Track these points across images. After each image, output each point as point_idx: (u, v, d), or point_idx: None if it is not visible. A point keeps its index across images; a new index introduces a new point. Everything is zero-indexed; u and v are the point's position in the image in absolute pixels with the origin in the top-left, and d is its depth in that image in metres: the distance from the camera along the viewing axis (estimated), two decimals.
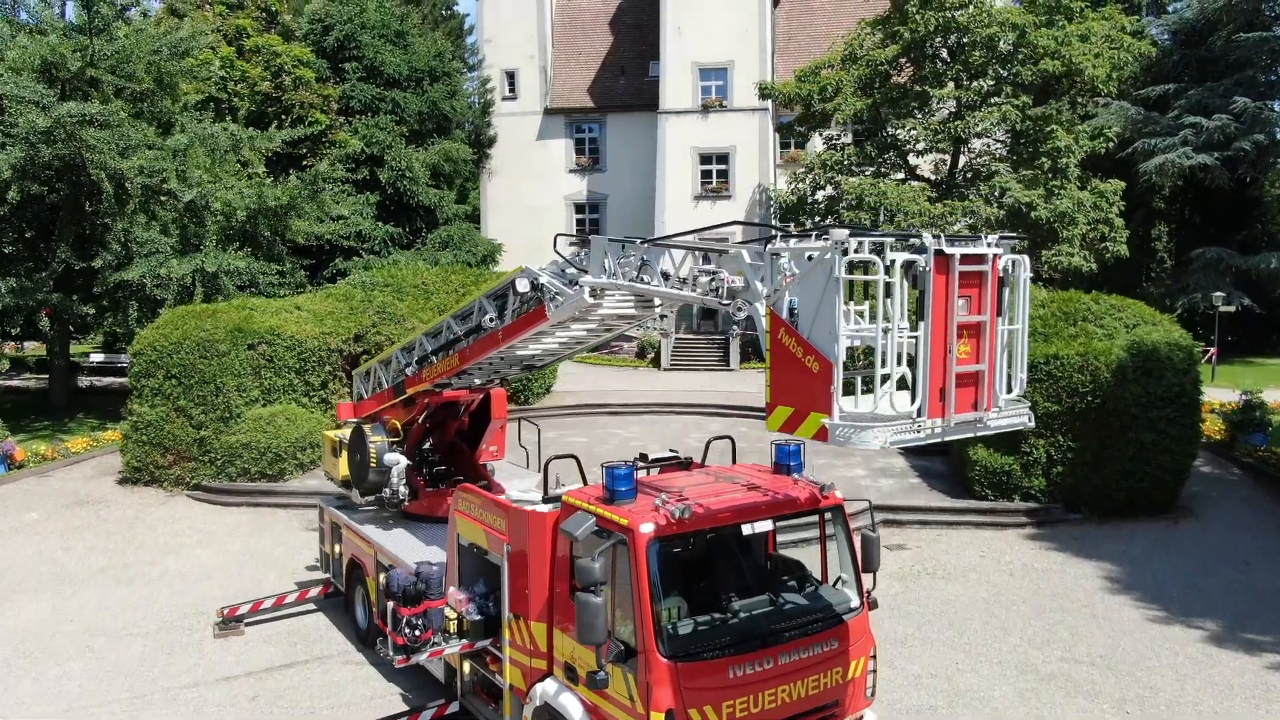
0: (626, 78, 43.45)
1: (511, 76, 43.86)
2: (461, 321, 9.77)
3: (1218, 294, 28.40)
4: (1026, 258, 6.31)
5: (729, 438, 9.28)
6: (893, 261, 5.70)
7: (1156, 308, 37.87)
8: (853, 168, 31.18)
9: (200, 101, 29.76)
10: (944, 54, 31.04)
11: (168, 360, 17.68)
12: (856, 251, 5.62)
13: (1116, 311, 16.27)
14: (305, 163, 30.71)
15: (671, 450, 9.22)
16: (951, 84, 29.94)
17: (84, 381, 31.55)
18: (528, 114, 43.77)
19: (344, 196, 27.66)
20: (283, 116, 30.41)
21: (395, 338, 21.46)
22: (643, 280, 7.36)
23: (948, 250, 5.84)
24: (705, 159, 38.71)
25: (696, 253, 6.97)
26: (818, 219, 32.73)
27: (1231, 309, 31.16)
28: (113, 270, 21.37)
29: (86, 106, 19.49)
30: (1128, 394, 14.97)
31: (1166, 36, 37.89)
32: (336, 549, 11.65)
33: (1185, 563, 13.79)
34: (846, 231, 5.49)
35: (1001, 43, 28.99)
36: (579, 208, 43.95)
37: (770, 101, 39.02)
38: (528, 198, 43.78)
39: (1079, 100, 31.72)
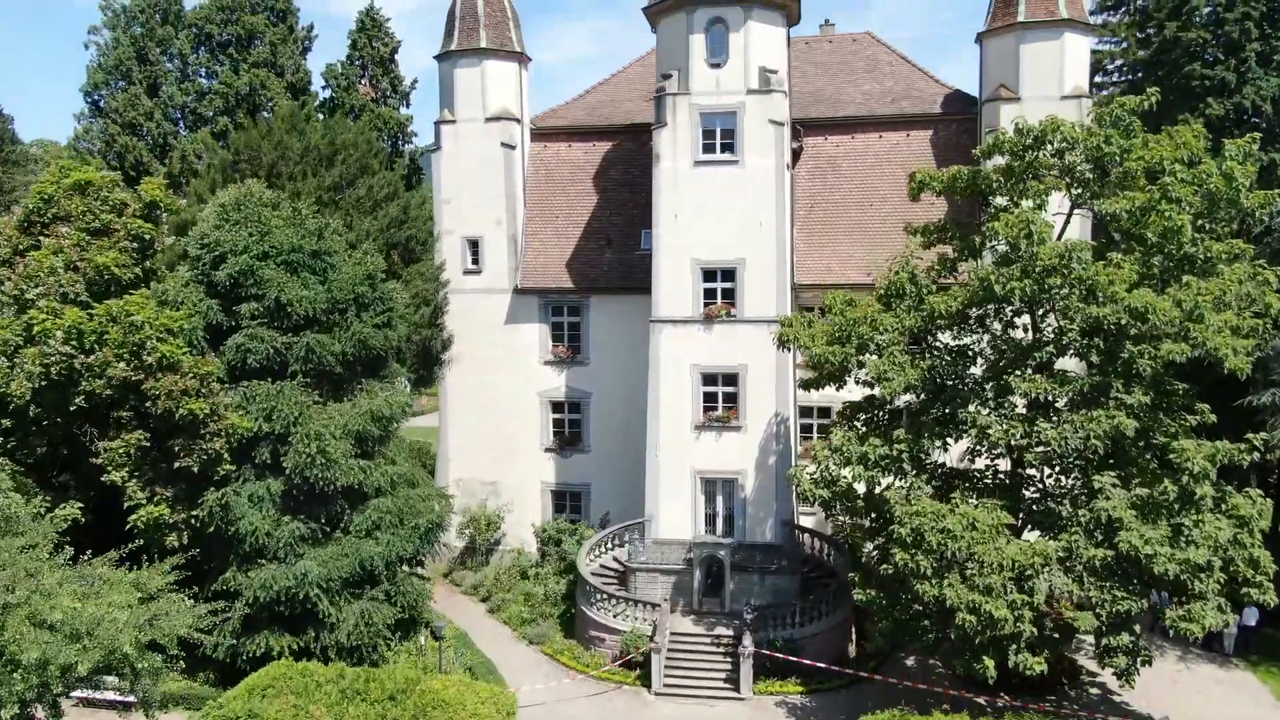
0: (613, 249, 35.82)
1: (475, 245, 36.27)
2: None
3: None
4: None
5: None
6: None
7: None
8: (903, 463, 23.50)
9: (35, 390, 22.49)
10: (1024, 316, 23.37)
11: None
12: None
13: None
14: (179, 464, 23.26)
15: None
16: (1040, 376, 22.22)
17: None
18: (494, 291, 36.20)
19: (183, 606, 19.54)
20: (147, 405, 22.91)
21: None
22: None
23: None
24: (709, 379, 31.01)
25: None
26: (859, 519, 25.13)
27: None
28: None
29: None
30: None
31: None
32: None
33: None
34: None
35: (1111, 320, 21.27)
36: (557, 406, 36.38)
37: (791, 301, 31.45)
38: (496, 393, 36.33)
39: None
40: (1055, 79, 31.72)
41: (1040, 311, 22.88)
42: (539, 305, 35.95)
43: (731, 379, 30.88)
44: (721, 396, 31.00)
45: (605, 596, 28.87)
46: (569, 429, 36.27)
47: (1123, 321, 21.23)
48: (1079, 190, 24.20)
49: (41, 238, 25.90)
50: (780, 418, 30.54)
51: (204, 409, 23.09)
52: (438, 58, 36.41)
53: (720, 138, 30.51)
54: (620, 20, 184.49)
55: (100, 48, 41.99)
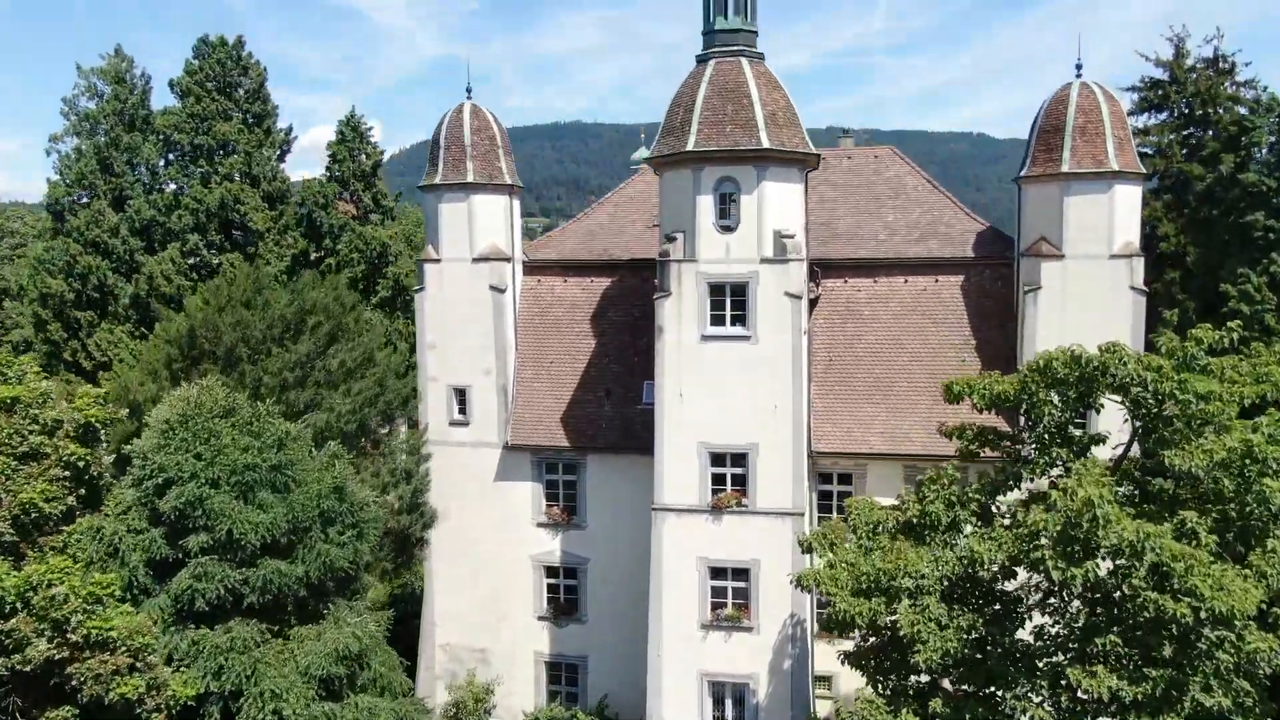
0: (612, 402, 32.72)
1: (462, 394, 33.24)
2: None
3: None
4: None
5: None
6: None
7: None
8: None
9: None
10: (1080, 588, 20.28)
11: None
12: None
13: None
14: None
15: None
16: (1102, 669, 19.15)
17: None
18: (483, 445, 33.16)
19: None
20: (74, 684, 20.01)
21: None
22: None
23: None
24: (717, 573, 28.09)
25: None
26: None
27: None
28: None
29: None
30: None
31: None
32: None
33: None
34: None
35: (1187, 618, 18.24)
36: (551, 571, 33.35)
37: (809, 470, 28.50)
38: (485, 554, 33.36)
39: None
40: (1104, 236, 28.48)
41: (1101, 593, 19.84)
42: (531, 463, 32.92)
43: (742, 574, 27.93)
44: (731, 592, 28.08)
45: None
46: (564, 596, 33.28)
47: (1202, 616, 18.19)
48: (1140, 423, 21.12)
49: None
50: (796, 619, 27.59)
51: (139, 687, 20.18)
52: (421, 188, 33.39)
53: (730, 308, 27.51)
54: (630, 9, 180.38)
55: (62, 158, 39.02)
